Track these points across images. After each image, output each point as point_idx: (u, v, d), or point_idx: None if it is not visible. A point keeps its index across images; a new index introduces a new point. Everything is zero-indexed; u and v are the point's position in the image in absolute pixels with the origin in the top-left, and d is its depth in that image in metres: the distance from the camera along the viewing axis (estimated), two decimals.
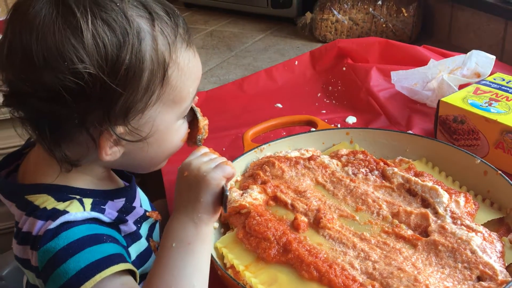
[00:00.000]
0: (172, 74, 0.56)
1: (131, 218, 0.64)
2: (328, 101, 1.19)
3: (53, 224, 0.53)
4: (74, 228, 0.54)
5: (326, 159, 0.82)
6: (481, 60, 1.08)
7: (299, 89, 1.26)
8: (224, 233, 0.71)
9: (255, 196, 0.72)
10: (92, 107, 0.52)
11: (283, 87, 1.27)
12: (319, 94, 1.22)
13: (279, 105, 1.19)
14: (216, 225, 0.71)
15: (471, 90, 0.95)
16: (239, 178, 0.81)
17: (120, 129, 0.54)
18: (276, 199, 0.73)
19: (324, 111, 1.14)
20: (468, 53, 1.09)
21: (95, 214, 0.56)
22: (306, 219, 0.69)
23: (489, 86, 0.96)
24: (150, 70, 0.53)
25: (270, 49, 1.54)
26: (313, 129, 0.93)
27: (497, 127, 0.85)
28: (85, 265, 0.52)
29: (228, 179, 0.58)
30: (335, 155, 0.84)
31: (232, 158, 0.83)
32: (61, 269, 0.52)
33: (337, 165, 0.81)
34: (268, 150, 0.86)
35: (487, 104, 0.90)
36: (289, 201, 0.72)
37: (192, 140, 0.65)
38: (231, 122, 1.11)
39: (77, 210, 0.56)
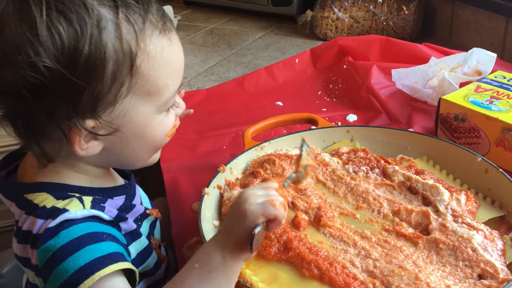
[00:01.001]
0: (141, 63, 0.54)
1: (131, 216, 0.64)
2: (328, 99, 1.19)
3: (53, 223, 0.53)
4: (74, 226, 0.54)
5: (326, 157, 0.82)
6: (482, 58, 1.08)
7: (300, 87, 1.26)
8: None
9: None
10: (56, 102, 0.51)
11: (283, 85, 1.27)
12: (319, 92, 1.22)
13: (280, 103, 1.18)
14: (217, 223, 0.71)
15: (472, 88, 0.95)
16: (239, 176, 0.81)
17: (90, 123, 0.53)
18: None
19: (325, 109, 1.14)
20: (469, 51, 1.09)
21: (95, 212, 0.56)
22: (306, 217, 0.69)
23: (490, 84, 0.96)
24: (115, 60, 0.51)
25: (270, 47, 1.54)
26: (314, 127, 0.92)
27: (498, 125, 0.84)
28: (84, 263, 0.51)
29: (271, 222, 0.54)
30: (336, 153, 0.84)
31: (233, 156, 0.83)
32: (60, 267, 0.52)
33: (338, 163, 0.81)
34: (268, 148, 0.86)
35: (488, 102, 0.89)
36: (289, 199, 0.72)
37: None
38: (231, 120, 1.11)
39: (76, 208, 0.56)
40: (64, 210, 0.55)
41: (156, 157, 0.65)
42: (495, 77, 0.99)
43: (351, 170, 0.79)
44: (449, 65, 1.09)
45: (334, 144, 0.89)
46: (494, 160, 0.77)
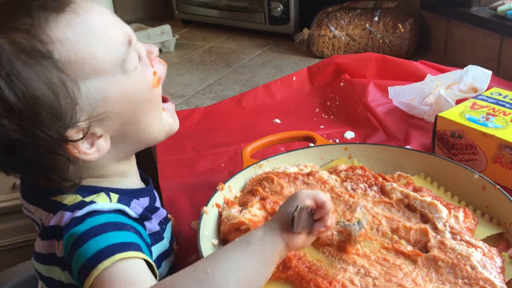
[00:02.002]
0: (61, 54, 0.52)
1: (156, 218, 0.65)
2: (326, 116, 1.19)
3: (79, 213, 0.54)
4: (100, 215, 0.55)
5: (325, 174, 0.82)
6: (477, 75, 1.09)
7: (297, 105, 1.27)
8: None
9: (254, 213, 0.72)
10: (35, 140, 0.52)
11: (281, 102, 1.28)
12: (317, 110, 1.23)
13: (278, 121, 1.19)
14: (216, 242, 0.71)
15: (468, 105, 0.96)
16: (238, 194, 0.81)
17: (71, 133, 0.53)
18: None
19: (323, 126, 1.14)
20: (464, 68, 1.10)
21: (121, 206, 0.57)
22: None
23: (486, 101, 0.97)
24: (36, 72, 0.50)
25: (268, 65, 1.55)
26: (312, 145, 0.93)
27: (494, 142, 0.85)
28: (105, 245, 0.51)
29: (318, 208, 0.56)
30: (334, 171, 0.84)
31: (231, 174, 0.84)
32: (81, 249, 0.52)
33: (336, 180, 0.81)
34: (267, 166, 0.86)
35: (484, 119, 0.90)
36: None
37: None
38: (229, 138, 1.11)
39: (103, 201, 0.57)
40: (91, 202, 0.56)
41: (169, 120, 0.66)
42: (491, 94, 1.00)
43: (349, 188, 0.79)
44: (445, 82, 1.10)
45: (332, 161, 0.89)
46: (491, 176, 0.77)
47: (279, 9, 1.66)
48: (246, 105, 1.27)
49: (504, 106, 0.94)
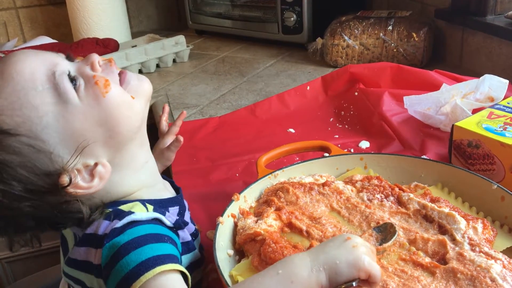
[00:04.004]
0: (6, 122, 0.54)
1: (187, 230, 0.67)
2: (340, 126, 1.19)
3: (119, 223, 0.56)
4: (139, 226, 0.56)
5: (340, 184, 0.82)
6: (494, 84, 1.08)
7: (311, 114, 1.27)
8: (239, 261, 0.71)
9: (270, 223, 0.72)
10: (41, 208, 0.55)
11: (295, 112, 1.28)
12: (331, 119, 1.23)
13: (292, 130, 1.19)
14: (231, 252, 0.71)
15: (485, 115, 0.95)
16: (253, 204, 0.81)
17: (64, 179, 0.56)
18: (291, 226, 0.73)
19: (337, 136, 1.14)
20: (481, 78, 1.09)
21: (158, 215, 0.59)
22: None
23: (503, 110, 0.96)
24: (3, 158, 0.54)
25: (281, 74, 1.55)
26: (327, 154, 0.93)
27: None
28: (146, 258, 0.53)
29: (363, 282, 0.55)
30: (350, 181, 0.84)
31: (246, 183, 0.83)
32: (123, 261, 0.53)
33: (352, 190, 0.81)
34: (282, 176, 0.86)
35: (501, 129, 0.89)
36: (304, 228, 0.72)
37: None
38: (244, 148, 1.11)
39: (141, 211, 0.58)
40: (130, 212, 0.57)
41: (136, 91, 0.62)
42: (508, 103, 0.99)
43: (365, 198, 0.79)
44: (461, 91, 1.09)
45: (347, 171, 0.88)
46: (510, 186, 0.76)
47: (292, 19, 1.67)
48: (260, 115, 1.27)
49: None
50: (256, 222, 0.73)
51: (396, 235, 0.66)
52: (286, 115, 1.27)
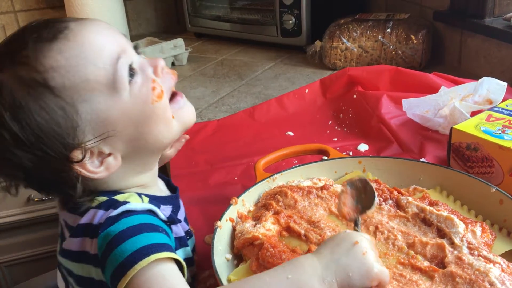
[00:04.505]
0: (55, 80, 0.54)
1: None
2: (339, 129, 1.19)
3: (114, 212, 0.56)
4: (134, 216, 0.56)
5: (339, 188, 0.81)
6: (492, 87, 1.08)
7: (310, 117, 1.26)
8: (237, 265, 0.71)
9: (268, 227, 0.72)
10: (45, 165, 0.55)
11: (294, 115, 1.28)
12: (330, 122, 1.23)
13: (291, 133, 1.19)
14: (229, 256, 0.71)
15: (484, 117, 0.95)
16: (251, 208, 0.81)
17: (76, 154, 0.56)
18: (289, 230, 0.73)
19: (336, 139, 1.14)
20: (479, 80, 1.09)
21: (153, 207, 0.59)
22: None
23: (502, 113, 0.96)
24: (38, 103, 0.54)
25: (280, 77, 1.55)
26: (325, 158, 0.92)
27: (511, 155, 0.84)
28: (141, 246, 0.53)
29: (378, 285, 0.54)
30: None
31: (245, 187, 0.83)
32: (118, 249, 0.53)
33: None
34: (280, 180, 0.86)
35: (500, 131, 0.89)
36: (302, 232, 0.72)
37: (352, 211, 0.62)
38: (242, 151, 1.11)
39: (136, 201, 0.59)
40: (125, 202, 0.57)
41: (181, 121, 0.63)
42: (507, 105, 0.99)
43: None
44: (460, 94, 1.09)
45: (346, 175, 0.88)
46: (508, 189, 0.76)
47: (291, 21, 1.67)
48: (259, 118, 1.27)
49: None
50: (255, 226, 0.73)
51: (375, 201, 0.64)
52: (285, 118, 1.27)
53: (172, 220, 0.63)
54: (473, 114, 1.02)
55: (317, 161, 0.90)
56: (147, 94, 0.59)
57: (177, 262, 0.56)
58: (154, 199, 0.65)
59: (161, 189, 0.72)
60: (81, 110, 0.56)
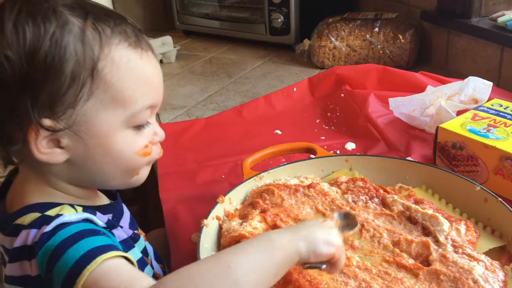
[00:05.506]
0: (104, 68, 0.55)
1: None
2: (327, 127, 1.19)
3: (48, 228, 0.53)
4: (71, 226, 0.54)
5: (325, 186, 0.82)
6: (478, 86, 1.09)
7: (298, 115, 1.27)
8: None
9: (254, 225, 0.72)
10: (15, 97, 0.53)
11: (282, 113, 1.28)
12: (317, 120, 1.23)
13: (278, 132, 1.19)
14: None
15: (469, 116, 0.96)
16: (238, 207, 0.81)
17: (47, 122, 0.54)
18: (276, 228, 0.73)
19: (323, 137, 1.14)
20: (465, 80, 1.10)
21: (88, 216, 0.57)
22: None
23: (487, 112, 0.97)
24: (75, 60, 0.53)
25: (268, 76, 1.55)
26: (313, 156, 0.93)
27: (496, 153, 0.85)
28: (84, 251, 0.51)
29: (332, 264, 0.59)
30: (335, 183, 0.84)
31: (232, 185, 0.83)
32: (61, 261, 0.51)
33: (337, 192, 0.81)
34: (267, 178, 0.86)
35: (485, 130, 0.90)
36: None
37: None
38: (230, 149, 1.11)
39: (70, 213, 0.56)
40: (57, 216, 0.55)
41: (137, 179, 0.64)
42: (492, 105, 1.00)
43: (350, 200, 0.79)
44: (446, 93, 1.10)
45: (332, 173, 0.89)
46: (493, 188, 0.77)
47: (279, 20, 1.67)
48: (247, 116, 1.27)
49: (505, 117, 0.94)
50: (241, 224, 0.73)
51: (356, 227, 0.68)
52: (273, 117, 1.27)
53: (112, 224, 0.61)
54: (459, 113, 1.03)
55: (305, 160, 0.90)
56: (138, 146, 0.60)
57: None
58: (90, 208, 0.62)
59: (99, 199, 0.68)
60: (90, 102, 0.55)
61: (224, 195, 0.78)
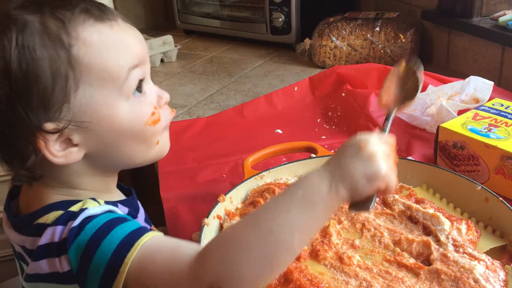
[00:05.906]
0: (79, 52, 0.54)
1: None
2: (328, 127, 1.19)
3: (75, 223, 0.53)
4: (97, 218, 0.53)
5: None
6: (479, 86, 1.09)
7: (299, 115, 1.27)
8: None
9: None
10: (9, 112, 0.53)
11: (282, 112, 1.28)
12: (318, 120, 1.23)
13: (279, 131, 1.19)
14: None
15: (470, 116, 0.95)
16: (239, 206, 0.81)
17: (49, 126, 0.53)
18: None
19: (324, 137, 1.14)
20: (466, 79, 1.10)
21: (111, 207, 0.57)
22: (306, 248, 0.68)
23: (488, 111, 0.96)
24: (49, 56, 0.52)
25: (269, 75, 1.55)
26: (313, 155, 0.93)
27: (497, 153, 0.85)
28: (120, 239, 0.50)
29: (385, 188, 0.54)
30: None
31: (233, 184, 0.83)
32: (98, 254, 0.50)
33: None
34: (268, 177, 0.86)
35: (486, 130, 0.90)
36: None
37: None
38: (231, 148, 1.11)
39: (94, 205, 0.56)
40: (82, 210, 0.55)
41: (161, 150, 0.64)
42: (493, 104, 1.00)
43: None
44: (447, 93, 1.10)
45: None
46: (494, 188, 0.77)
47: (280, 19, 1.67)
48: (248, 115, 1.27)
49: (506, 117, 0.94)
50: None
51: (418, 94, 0.62)
52: (274, 116, 1.27)
53: (132, 216, 0.62)
54: (460, 112, 1.03)
55: (305, 159, 0.90)
56: (145, 115, 0.59)
57: None
58: (110, 203, 0.61)
59: (117, 195, 0.68)
60: (81, 90, 0.54)
61: (225, 194, 0.78)
